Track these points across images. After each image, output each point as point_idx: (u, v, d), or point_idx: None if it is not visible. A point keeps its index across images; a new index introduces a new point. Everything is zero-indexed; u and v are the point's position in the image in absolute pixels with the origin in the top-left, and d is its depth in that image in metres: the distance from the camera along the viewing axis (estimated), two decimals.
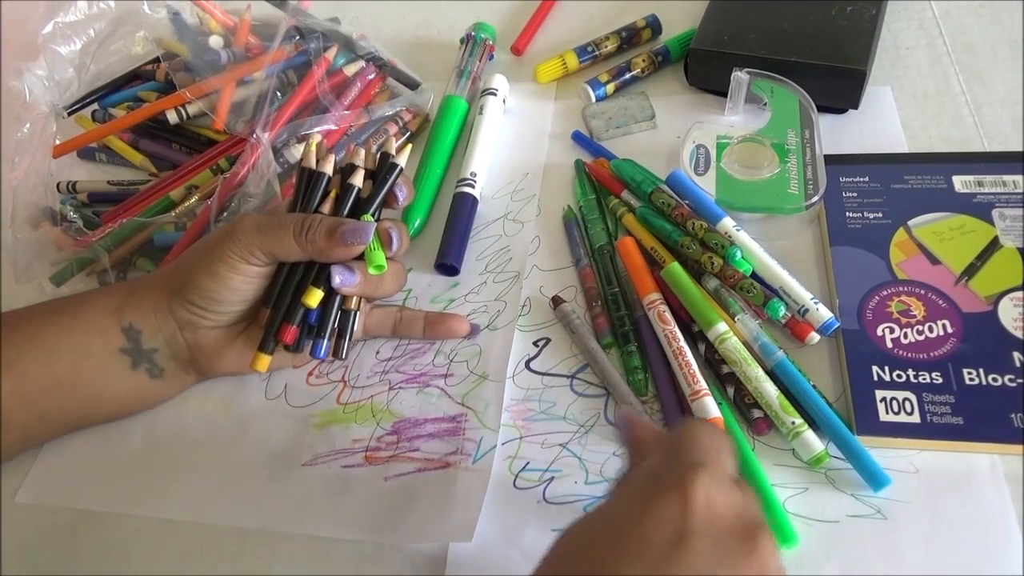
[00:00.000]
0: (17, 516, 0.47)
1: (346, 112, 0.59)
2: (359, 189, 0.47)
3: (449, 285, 0.53)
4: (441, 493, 0.43)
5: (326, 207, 0.46)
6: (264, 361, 0.45)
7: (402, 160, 0.47)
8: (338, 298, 0.46)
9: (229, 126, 0.57)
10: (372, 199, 0.46)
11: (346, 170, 0.47)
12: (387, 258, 0.45)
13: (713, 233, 0.48)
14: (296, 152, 0.57)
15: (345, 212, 0.46)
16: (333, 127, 0.58)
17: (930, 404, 0.42)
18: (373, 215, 0.46)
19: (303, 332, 0.46)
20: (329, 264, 0.45)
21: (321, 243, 0.43)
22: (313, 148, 0.48)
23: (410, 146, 0.48)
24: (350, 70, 0.61)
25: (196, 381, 0.50)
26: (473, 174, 0.57)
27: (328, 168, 0.47)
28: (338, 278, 0.44)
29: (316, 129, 0.58)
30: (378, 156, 0.48)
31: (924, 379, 0.43)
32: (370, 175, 0.47)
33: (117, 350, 0.46)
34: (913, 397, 0.43)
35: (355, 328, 0.47)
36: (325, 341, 0.45)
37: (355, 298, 0.46)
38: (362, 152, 0.47)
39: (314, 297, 0.44)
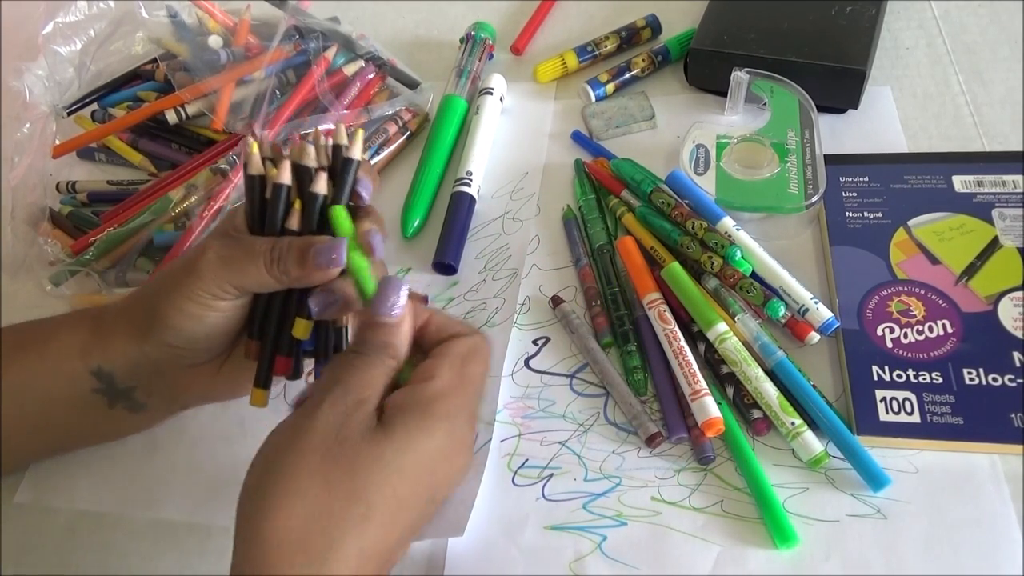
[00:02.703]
0: (16, 516, 0.47)
1: (345, 111, 0.59)
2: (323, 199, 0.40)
3: (448, 284, 0.53)
4: None
5: (293, 222, 0.39)
6: (261, 397, 0.41)
7: (356, 152, 0.40)
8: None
9: (228, 125, 0.56)
10: (337, 200, 0.40)
11: (299, 170, 0.40)
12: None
13: (713, 233, 0.48)
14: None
15: (315, 222, 0.40)
16: (332, 126, 0.58)
17: (930, 404, 0.42)
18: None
19: (298, 358, 0.42)
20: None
21: (295, 272, 0.38)
22: (255, 151, 0.40)
23: (361, 132, 0.40)
24: (349, 69, 0.61)
25: (179, 411, 0.46)
26: (469, 173, 0.57)
27: (285, 178, 0.39)
28: (316, 309, 0.39)
29: (321, 127, 0.58)
30: (330, 149, 0.40)
31: (924, 379, 0.43)
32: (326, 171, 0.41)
33: (90, 391, 0.42)
34: (913, 397, 0.43)
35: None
36: (327, 363, 0.41)
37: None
38: (311, 150, 0.39)
39: (303, 329, 0.40)
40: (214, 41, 0.61)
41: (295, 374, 0.42)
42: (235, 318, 0.41)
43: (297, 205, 0.40)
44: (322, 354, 0.42)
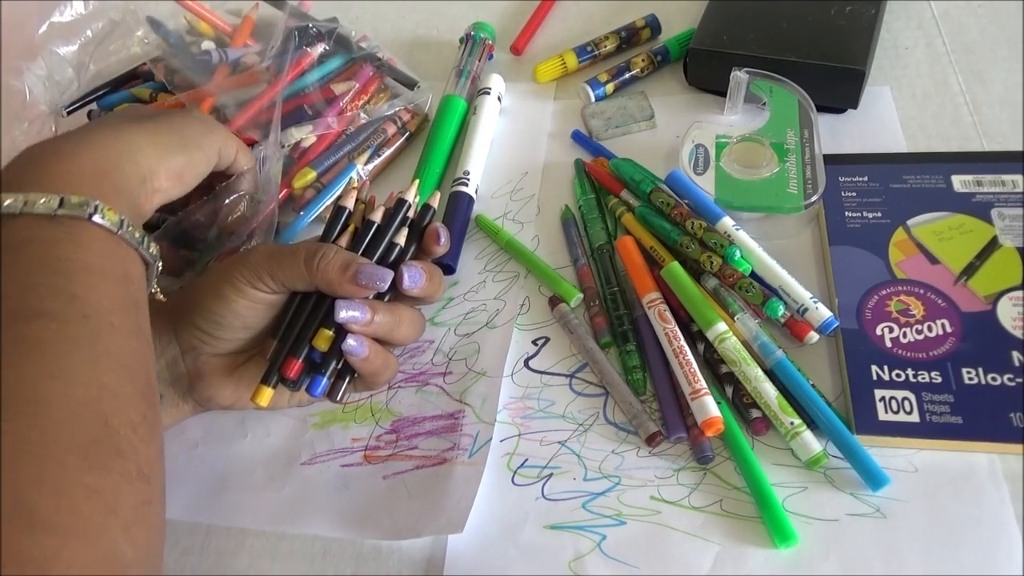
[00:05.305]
0: None
1: (347, 114, 0.59)
2: (377, 224, 0.45)
3: (448, 284, 0.53)
4: (436, 488, 0.44)
5: (343, 241, 0.44)
6: (265, 394, 0.42)
7: (435, 203, 0.47)
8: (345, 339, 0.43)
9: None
10: (406, 251, 0.45)
11: (366, 207, 0.47)
12: (403, 295, 0.44)
13: (712, 232, 0.48)
14: (293, 135, 0.57)
15: (361, 248, 0.44)
16: (329, 129, 0.58)
17: (929, 403, 0.42)
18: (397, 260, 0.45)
19: (306, 370, 0.43)
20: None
21: (333, 275, 0.41)
22: (353, 189, 0.47)
23: (417, 182, 0.48)
24: (339, 88, 0.61)
25: (192, 413, 0.46)
26: (466, 172, 0.57)
27: (349, 203, 0.46)
28: (343, 313, 0.41)
29: (314, 132, 0.58)
30: (408, 207, 0.46)
31: (923, 378, 0.43)
32: (406, 223, 0.46)
33: None
34: (912, 396, 0.43)
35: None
36: (324, 379, 0.42)
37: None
38: (381, 210, 0.46)
39: (324, 340, 0.42)
40: (207, 46, 0.62)
41: (297, 383, 0.43)
42: (262, 316, 0.43)
43: (351, 229, 0.45)
44: (325, 368, 0.42)
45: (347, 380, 0.44)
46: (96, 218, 0.37)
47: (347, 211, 0.46)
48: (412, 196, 0.46)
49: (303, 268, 0.42)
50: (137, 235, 0.39)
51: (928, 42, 0.62)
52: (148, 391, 0.36)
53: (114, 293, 0.37)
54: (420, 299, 0.46)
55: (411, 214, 0.47)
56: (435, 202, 0.48)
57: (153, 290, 0.42)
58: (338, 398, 0.43)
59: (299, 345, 0.42)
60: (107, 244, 0.38)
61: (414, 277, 0.43)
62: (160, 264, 0.42)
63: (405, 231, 0.46)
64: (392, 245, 0.45)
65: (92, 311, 0.35)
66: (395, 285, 0.43)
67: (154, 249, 0.41)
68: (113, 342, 0.35)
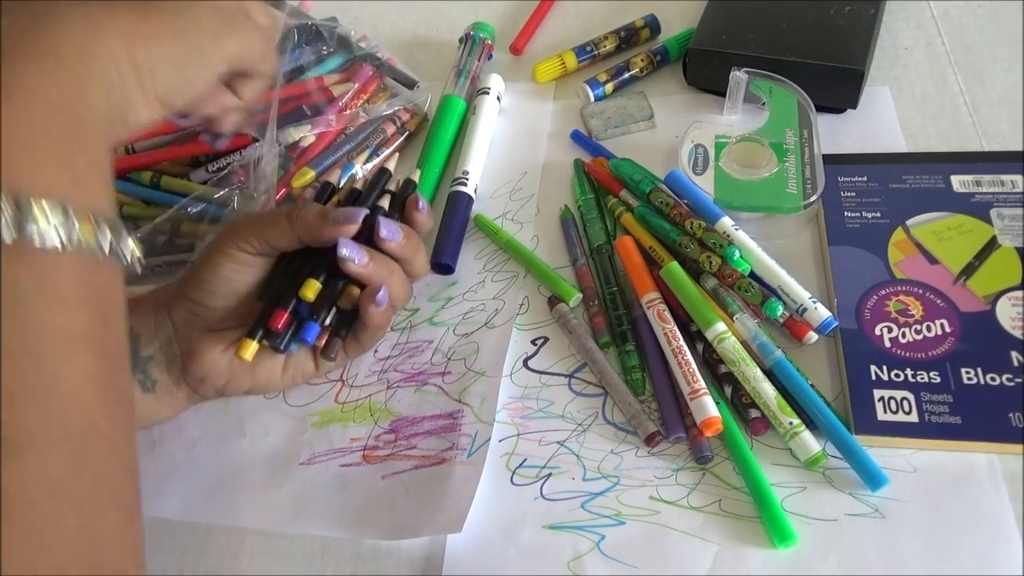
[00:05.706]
0: None
1: (347, 112, 0.59)
2: (360, 193, 0.48)
3: (447, 284, 0.53)
4: (435, 488, 0.44)
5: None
6: (249, 347, 0.43)
7: (415, 177, 0.50)
8: (336, 287, 0.44)
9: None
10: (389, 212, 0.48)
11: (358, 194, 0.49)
12: (379, 245, 0.44)
13: (711, 232, 0.48)
14: (292, 135, 0.58)
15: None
16: (328, 127, 0.58)
17: (928, 403, 0.42)
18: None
19: (292, 329, 0.44)
20: (324, 253, 0.43)
21: (311, 220, 0.43)
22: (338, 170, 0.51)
23: (397, 155, 0.51)
24: (337, 90, 0.61)
25: (187, 401, 0.46)
26: (465, 172, 0.57)
27: (334, 178, 0.49)
28: (344, 250, 0.42)
29: (313, 131, 0.58)
30: (388, 177, 0.49)
31: (922, 378, 0.43)
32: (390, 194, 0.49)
33: None
34: (911, 396, 0.43)
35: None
36: (316, 325, 0.43)
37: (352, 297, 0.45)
38: (363, 179, 0.49)
39: (312, 289, 0.43)
40: None
41: (282, 342, 0.43)
42: (249, 279, 0.45)
43: (335, 200, 0.48)
44: (316, 314, 0.44)
45: (341, 337, 0.45)
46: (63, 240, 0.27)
47: (332, 187, 0.49)
48: (392, 166, 0.49)
49: (285, 223, 0.43)
50: (111, 238, 0.30)
51: (928, 42, 0.62)
52: (134, 507, 0.29)
53: (88, 360, 0.28)
54: (403, 263, 0.46)
55: (392, 187, 0.49)
56: (416, 177, 0.50)
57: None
58: (332, 355, 0.45)
59: (286, 297, 0.44)
60: (78, 268, 0.29)
61: (390, 228, 0.45)
62: (142, 261, 0.33)
63: (388, 198, 0.48)
64: (375, 209, 0.47)
65: (73, 407, 0.26)
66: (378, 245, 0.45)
67: (135, 248, 0.32)
68: (99, 457, 0.26)
